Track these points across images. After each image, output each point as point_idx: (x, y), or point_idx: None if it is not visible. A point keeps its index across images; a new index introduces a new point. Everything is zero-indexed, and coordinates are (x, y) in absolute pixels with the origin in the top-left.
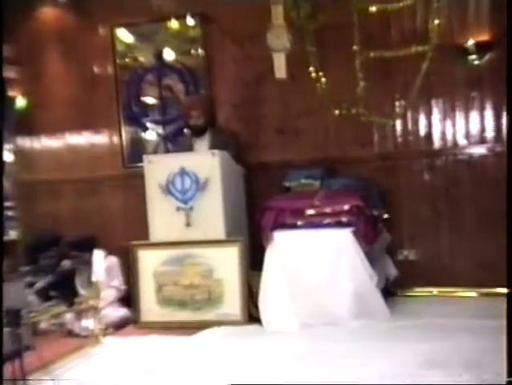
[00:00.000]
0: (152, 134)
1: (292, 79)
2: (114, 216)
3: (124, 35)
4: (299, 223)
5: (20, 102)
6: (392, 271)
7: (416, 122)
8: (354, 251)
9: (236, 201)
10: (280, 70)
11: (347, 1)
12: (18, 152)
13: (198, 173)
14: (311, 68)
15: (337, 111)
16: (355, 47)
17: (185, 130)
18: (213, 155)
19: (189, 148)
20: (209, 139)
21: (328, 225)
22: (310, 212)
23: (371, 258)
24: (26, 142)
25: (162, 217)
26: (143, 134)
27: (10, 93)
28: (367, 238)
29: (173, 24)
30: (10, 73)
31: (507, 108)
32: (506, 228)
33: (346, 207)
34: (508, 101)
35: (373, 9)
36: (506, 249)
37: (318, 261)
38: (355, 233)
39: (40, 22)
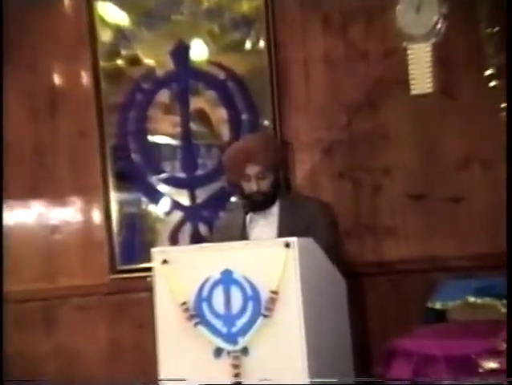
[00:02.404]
0: (168, 205)
1: (447, 97)
2: (92, 364)
3: (114, 13)
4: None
5: None
6: None
7: None
8: None
9: (333, 336)
10: (421, 78)
11: None
12: None
13: (258, 282)
14: (489, 71)
15: None
16: None
17: (234, 199)
18: (286, 246)
19: (241, 234)
20: (278, 215)
21: None
22: (491, 365)
23: None
24: None
25: (187, 368)
26: (151, 206)
27: None
28: None
29: None
30: None
31: (507, 108)
32: (506, 230)
33: None
34: (508, 99)
35: None
36: (506, 247)
37: None
38: None
39: None
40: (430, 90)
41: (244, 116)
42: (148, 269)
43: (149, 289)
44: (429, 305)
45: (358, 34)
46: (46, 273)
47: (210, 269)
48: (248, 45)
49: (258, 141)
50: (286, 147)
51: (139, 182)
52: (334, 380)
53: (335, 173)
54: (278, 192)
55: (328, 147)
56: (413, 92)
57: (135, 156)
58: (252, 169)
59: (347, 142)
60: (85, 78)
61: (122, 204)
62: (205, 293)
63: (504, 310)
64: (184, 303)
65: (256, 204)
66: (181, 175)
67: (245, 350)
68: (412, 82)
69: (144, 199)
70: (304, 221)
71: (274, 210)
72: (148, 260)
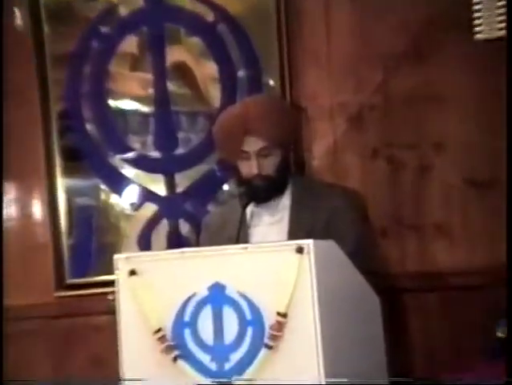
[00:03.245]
0: (136, 195)
1: None
2: None
3: None
4: None
5: None
6: None
7: None
8: None
9: (362, 374)
10: (490, 17)
11: None
12: None
13: (261, 300)
14: None
15: None
16: None
17: (227, 186)
18: (299, 251)
19: (238, 235)
20: (289, 209)
21: None
22: None
23: None
24: None
25: None
26: (113, 197)
27: None
28: None
29: None
30: None
31: (507, 107)
32: (506, 230)
33: None
34: (508, 98)
35: None
36: (506, 246)
37: None
38: None
39: None
40: (502, 33)
41: (241, 73)
42: (110, 284)
43: (111, 311)
44: (499, 333)
45: None
46: None
47: (195, 283)
48: None
49: (261, 106)
50: (299, 114)
51: (96, 163)
52: None
53: (367, 150)
54: (287, 176)
55: (357, 114)
56: (478, 37)
57: (91, 128)
58: (252, 144)
59: (383, 107)
60: (19, 17)
61: (73, 193)
62: (187, 316)
63: None
64: (159, 330)
65: (256, 192)
66: (155, 154)
67: None
68: (476, 22)
69: (103, 187)
70: (324, 217)
71: (284, 202)
72: (110, 271)
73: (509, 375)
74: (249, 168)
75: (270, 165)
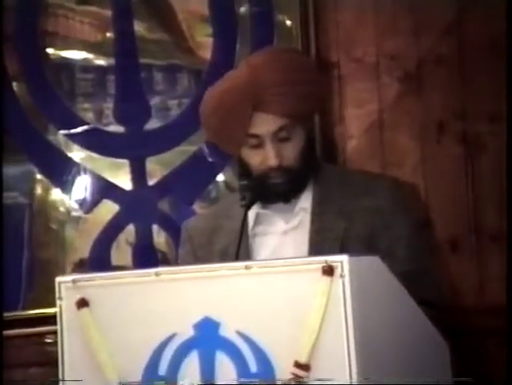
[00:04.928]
0: (89, 189)
1: None
2: None
3: None
4: None
5: None
6: None
7: None
8: None
9: None
10: None
11: None
12: None
13: (272, 345)
14: None
15: None
16: None
17: (222, 177)
18: (327, 272)
19: (237, 248)
20: (311, 211)
21: None
22: None
23: None
24: None
25: None
26: (55, 191)
27: None
28: None
29: None
30: None
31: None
32: (506, 233)
33: None
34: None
35: None
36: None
37: None
38: None
39: None
40: None
41: (244, 9)
42: (49, 320)
43: (49, 360)
44: None
45: None
46: None
47: (175, 320)
48: None
49: (275, 64)
50: (326, 72)
51: (29, 142)
52: None
53: (430, 125)
54: (313, 166)
55: (415, 71)
56: None
57: (20, 89)
58: (264, 124)
59: (454, 60)
60: None
61: None
62: (163, 367)
63: None
64: None
65: (274, 191)
66: (116, 129)
67: None
68: None
69: (39, 176)
70: (364, 223)
71: (303, 201)
72: (49, 301)
73: (509, 375)
74: (262, 159)
75: (292, 152)
